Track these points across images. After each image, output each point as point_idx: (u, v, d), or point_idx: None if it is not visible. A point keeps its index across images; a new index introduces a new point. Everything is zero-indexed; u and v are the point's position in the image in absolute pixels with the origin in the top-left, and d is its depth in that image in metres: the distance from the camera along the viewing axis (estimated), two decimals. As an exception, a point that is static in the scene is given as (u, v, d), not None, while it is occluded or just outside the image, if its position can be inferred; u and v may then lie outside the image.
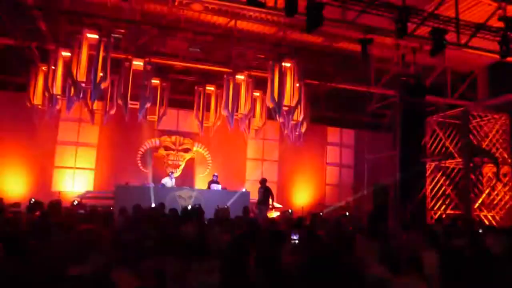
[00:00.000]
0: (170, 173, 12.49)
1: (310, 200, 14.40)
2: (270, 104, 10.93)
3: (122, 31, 10.25)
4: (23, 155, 12.02)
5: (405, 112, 12.76)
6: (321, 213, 12.09)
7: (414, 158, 12.94)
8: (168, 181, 12.04)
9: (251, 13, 9.41)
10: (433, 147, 13.12)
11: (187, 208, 8.69)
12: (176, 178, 12.63)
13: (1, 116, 12.15)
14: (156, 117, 11.66)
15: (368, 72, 11.98)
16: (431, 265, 3.78)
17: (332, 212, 13.30)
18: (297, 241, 4.83)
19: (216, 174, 12.47)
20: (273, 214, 11.99)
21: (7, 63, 11.19)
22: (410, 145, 12.82)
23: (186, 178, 13.46)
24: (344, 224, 7.62)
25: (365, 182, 14.31)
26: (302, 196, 14.50)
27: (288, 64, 10.63)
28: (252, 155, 14.57)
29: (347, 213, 12.93)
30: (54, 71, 10.26)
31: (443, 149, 12.83)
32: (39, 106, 10.88)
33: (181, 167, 13.46)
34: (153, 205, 9.72)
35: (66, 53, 9.90)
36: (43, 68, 10.74)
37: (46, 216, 5.41)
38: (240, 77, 11.13)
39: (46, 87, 10.58)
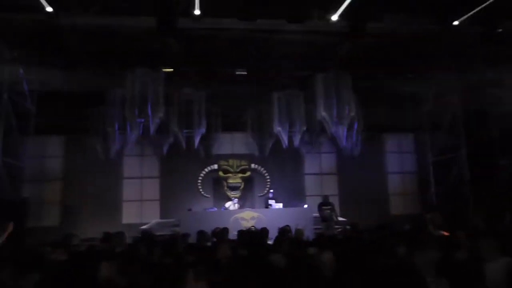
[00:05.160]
0: (233, 198, 12.65)
1: (374, 211, 13.78)
2: (321, 117, 10.90)
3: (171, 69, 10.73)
4: (94, 193, 12.70)
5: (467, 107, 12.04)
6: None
7: (483, 156, 12.06)
8: (231, 205, 12.18)
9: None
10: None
11: (250, 231, 8.54)
12: (237, 200, 12.76)
13: (70, 159, 13.11)
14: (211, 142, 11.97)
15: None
16: (496, 278, 3.46)
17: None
18: None
19: (272, 190, 12.51)
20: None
21: (68, 108, 11.70)
22: (476, 142, 11.99)
23: (247, 199, 13.56)
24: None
25: (432, 188, 13.53)
26: (365, 208, 13.90)
27: (334, 74, 10.57)
28: (310, 170, 14.39)
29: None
30: (113, 110, 10.95)
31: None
32: (103, 145, 11.60)
33: (241, 188, 13.60)
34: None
35: (121, 92, 10.54)
36: (103, 108, 11.47)
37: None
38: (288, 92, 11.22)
39: (107, 127, 11.30)
